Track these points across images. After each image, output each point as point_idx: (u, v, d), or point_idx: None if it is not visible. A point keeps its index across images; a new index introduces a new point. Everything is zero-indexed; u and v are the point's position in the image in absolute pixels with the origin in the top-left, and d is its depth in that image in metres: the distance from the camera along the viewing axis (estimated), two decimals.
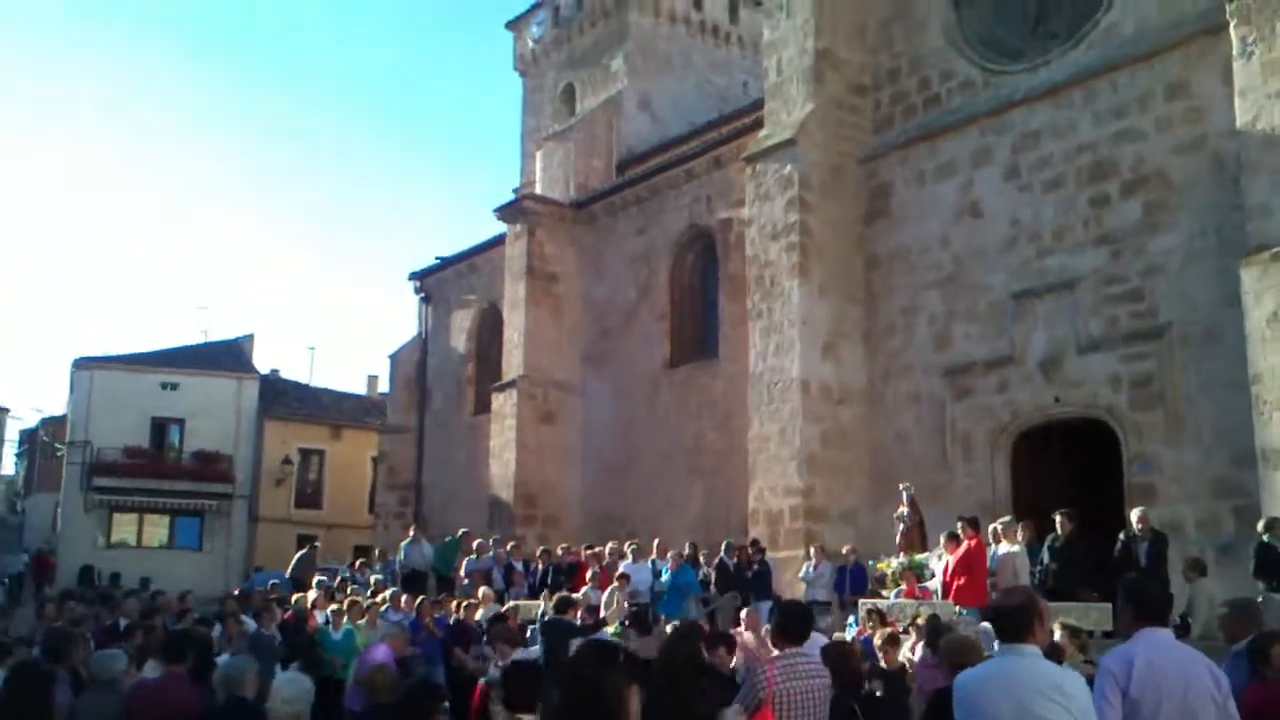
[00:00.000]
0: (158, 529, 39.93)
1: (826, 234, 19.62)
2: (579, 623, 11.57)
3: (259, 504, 40.08)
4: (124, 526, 39.35)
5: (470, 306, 31.09)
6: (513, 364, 26.38)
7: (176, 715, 6.57)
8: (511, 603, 15.64)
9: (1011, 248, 17.76)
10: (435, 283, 32.78)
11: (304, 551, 22.40)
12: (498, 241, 28.89)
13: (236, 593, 22.39)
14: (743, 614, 11.51)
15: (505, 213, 27.75)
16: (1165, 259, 15.94)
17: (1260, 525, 12.49)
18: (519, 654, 9.59)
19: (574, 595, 12.93)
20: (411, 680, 6.53)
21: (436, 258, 32.94)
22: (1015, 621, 4.58)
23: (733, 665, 8.04)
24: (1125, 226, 16.43)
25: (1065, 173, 17.21)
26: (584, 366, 26.35)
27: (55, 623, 11.72)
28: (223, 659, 7.90)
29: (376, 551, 22.96)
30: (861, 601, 13.70)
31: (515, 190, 33.31)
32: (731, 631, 10.05)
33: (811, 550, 16.61)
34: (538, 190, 28.77)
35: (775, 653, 5.99)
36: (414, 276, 33.41)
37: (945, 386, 18.30)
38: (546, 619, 12.06)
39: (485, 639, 11.09)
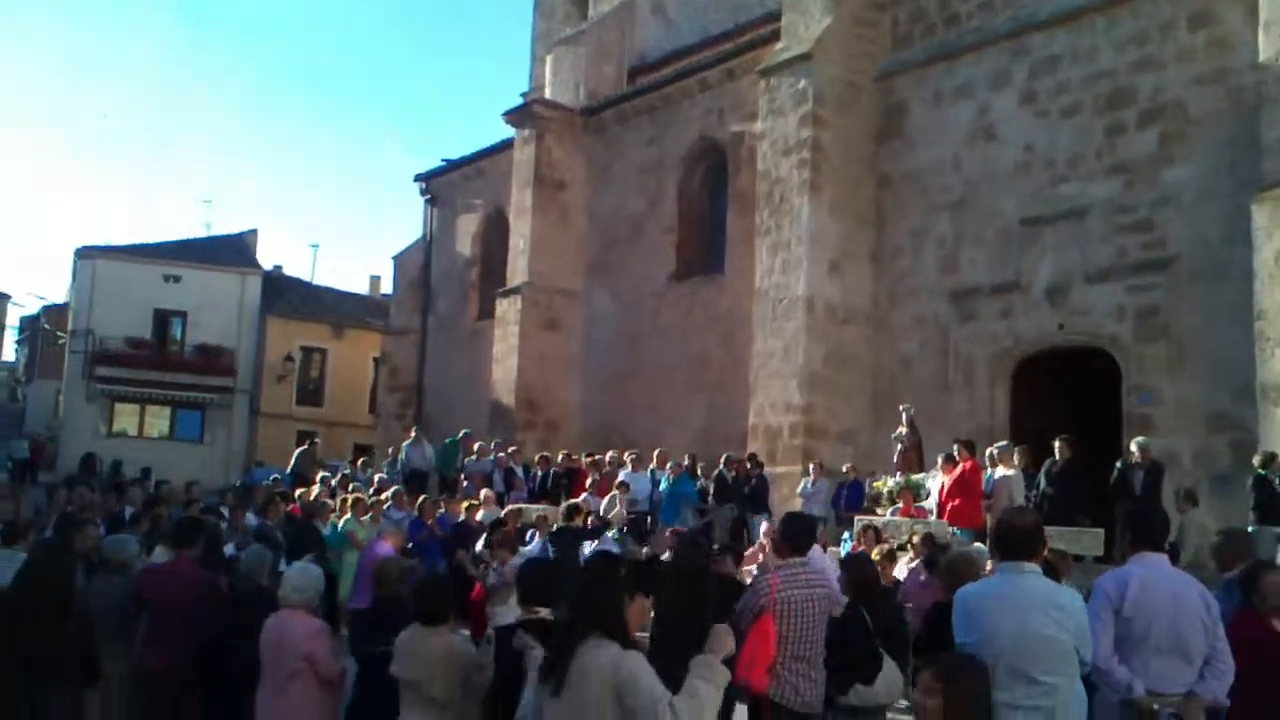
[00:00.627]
0: (159, 420, 40.22)
1: (839, 152, 19.49)
2: (587, 528, 11.82)
3: (260, 399, 40.31)
4: (125, 416, 39.63)
5: (476, 211, 30.94)
6: (518, 270, 26.35)
7: (185, 597, 6.75)
8: (511, 506, 15.82)
9: (1024, 174, 17.67)
10: (441, 185, 32.57)
11: (304, 448, 22.62)
12: (505, 146, 28.65)
13: (238, 485, 22.73)
14: (762, 528, 11.73)
15: (514, 117, 27.48)
16: (1178, 191, 15.87)
17: (1256, 459, 12.66)
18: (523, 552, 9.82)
19: (579, 503, 13.14)
20: (425, 574, 6.66)
21: (443, 160, 32.71)
22: (1025, 540, 4.69)
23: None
24: (1139, 157, 16.32)
25: (1083, 99, 17.05)
26: (589, 276, 26.31)
27: (65, 508, 11.91)
28: (228, 549, 8.04)
29: (388, 450, 23.11)
30: (858, 518, 13.91)
31: (524, 95, 32.88)
32: (760, 543, 10.28)
33: (811, 466, 16.79)
34: (547, 96, 28.41)
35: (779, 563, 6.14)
36: (420, 178, 33.19)
37: (950, 310, 18.33)
38: (556, 527, 12.25)
39: (485, 544, 11.26)
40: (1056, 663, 4.49)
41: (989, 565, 5.36)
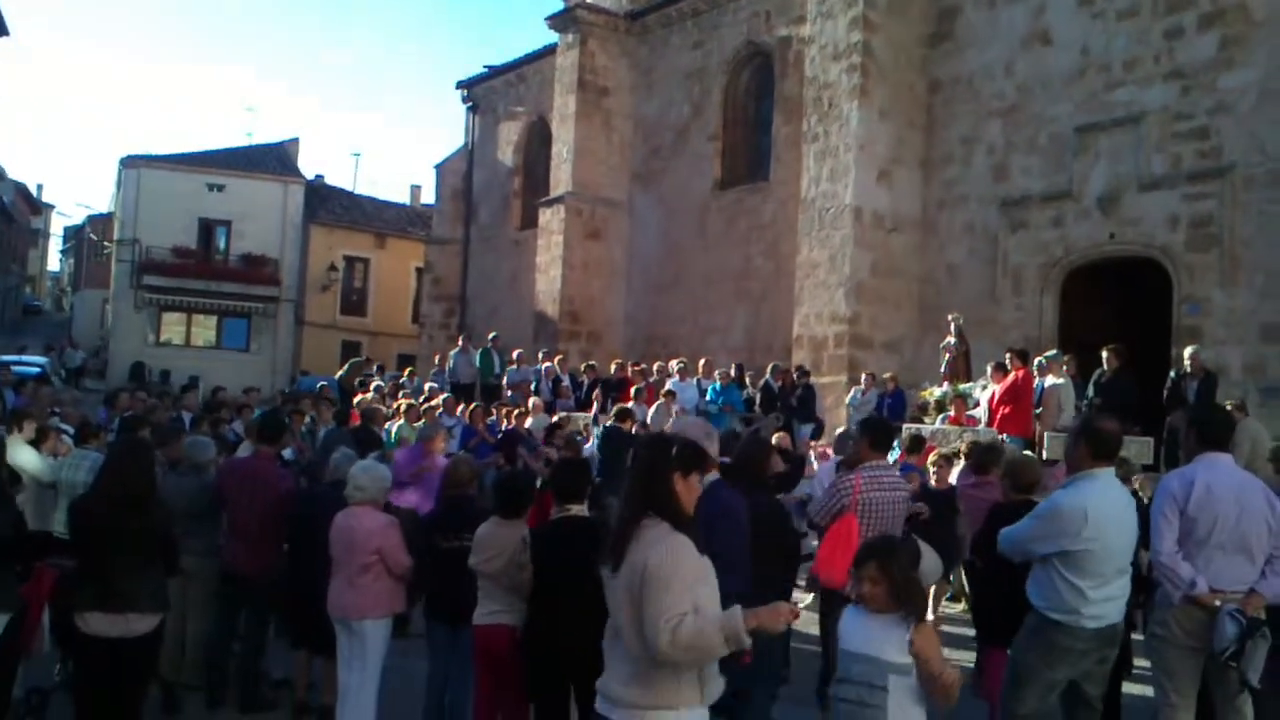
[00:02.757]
0: (205, 329, 40.71)
1: (889, 56, 19.18)
2: (635, 434, 11.95)
3: (305, 308, 40.66)
4: (173, 325, 40.15)
5: (518, 119, 30.75)
6: (560, 179, 26.24)
7: (265, 491, 6.95)
8: (561, 414, 16.02)
9: (1079, 79, 17.33)
10: (483, 92, 32.33)
11: (355, 360, 22.87)
12: (548, 52, 28.34)
13: (285, 391, 23.02)
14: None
15: (556, 21, 27.12)
16: (1236, 98, 15.53)
17: None
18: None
19: (631, 407, 13.27)
20: (507, 471, 6.82)
21: (485, 67, 32.40)
22: (1223, 431, 5.22)
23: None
24: (1198, 61, 15.96)
25: (1141, 2, 16.63)
26: (632, 184, 26.18)
27: (127, 411, 12.17)
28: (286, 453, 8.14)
29: (436, 358, 23.31)
30: (905, 426, 13.95)
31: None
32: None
33: (863, 377, 16.77)
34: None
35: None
36: (461, 85, 32.94)
37: (1000, 219, 18.14)
38: (606, 426, 12.41)
39: (547, 442, 11.45)
40: None
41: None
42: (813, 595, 6.18)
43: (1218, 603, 4.92)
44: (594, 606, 4.73)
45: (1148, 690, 6.60)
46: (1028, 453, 11.24)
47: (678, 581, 3.39)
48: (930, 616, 4.71)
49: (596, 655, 4.35)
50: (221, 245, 40.03)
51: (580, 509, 5.23)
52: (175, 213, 38.50)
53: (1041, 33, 17.86)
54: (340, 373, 22.42)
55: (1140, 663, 6.79)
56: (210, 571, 7.02)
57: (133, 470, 5.29)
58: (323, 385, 22.73)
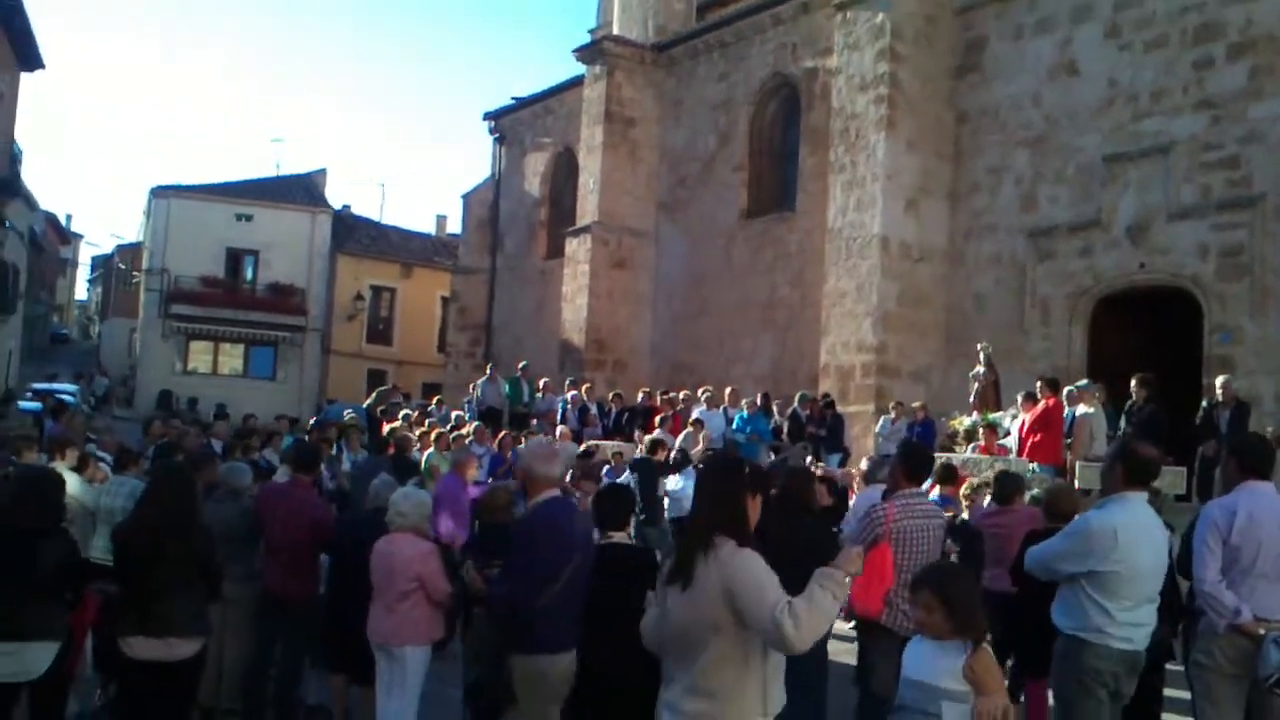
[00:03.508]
0: (232, 358, 41.03)
1: (916, 87, 19.26)
2: (667, 463, 12.00)
3: (331, 337, 40.93)
4: (200, 354, 40.49)
5: (545, 149, 30.97)
6: (587, 209, 26.39)
7: (302, 516, 7.01)
8: (590, 442, 16.05)
9: (1107, 109, 17.36)
10: (510, 123, 32.60)
11: (383, 388, 22.99)
12: (575, 83, 28.59)
13: (313, 422, 23.16)
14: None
15: (584, 54, 27.38)
16: (1267, 127, 15.54)
17: None
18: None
19: (662, 438, 13.30)
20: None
21: (512, 98, 32.70)
22: (1264, 459, 5.31)
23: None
24: (1227, 91, 15.98)
25: (1169, 32, 16.69)
26: (659, 214, 26.31)
27: (161, 439, 12.28)
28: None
29: (468, 387, 23.45)
30: (935, 456, 13.88)
31: (591, 31, 32.71)
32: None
33: (891, 406, 16.77)
34: (615, 31, 28.24)
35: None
36: (488, 116, 33.23)
37: (1028, 248, 18.15)
38: (638, 457, 12.45)
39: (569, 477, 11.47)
40: None
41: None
42: (850, 624, 6.19)
43: (1262, 631, 4.91)
44: (637, 630, 4.79)
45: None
46: (1063, 481, 11.23)
47: (766, 581, 3.59)
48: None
49: (641, 677, 4.42)
50: (249, 275, 40.42)
51: (623, 536, 5.27)
52: (203, 242, 38.92)
53: (1068, 64, 17.92)
54: (368, 401, 22.51)
55: (1170, 693, 6.76)
56: (249, 596, 7.06)
57: (173, 495, 5.37)
58: (350, 414, 22.91)
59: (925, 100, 19.35)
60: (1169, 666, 6.59)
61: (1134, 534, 4.94)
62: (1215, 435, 12.34)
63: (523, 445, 15.04)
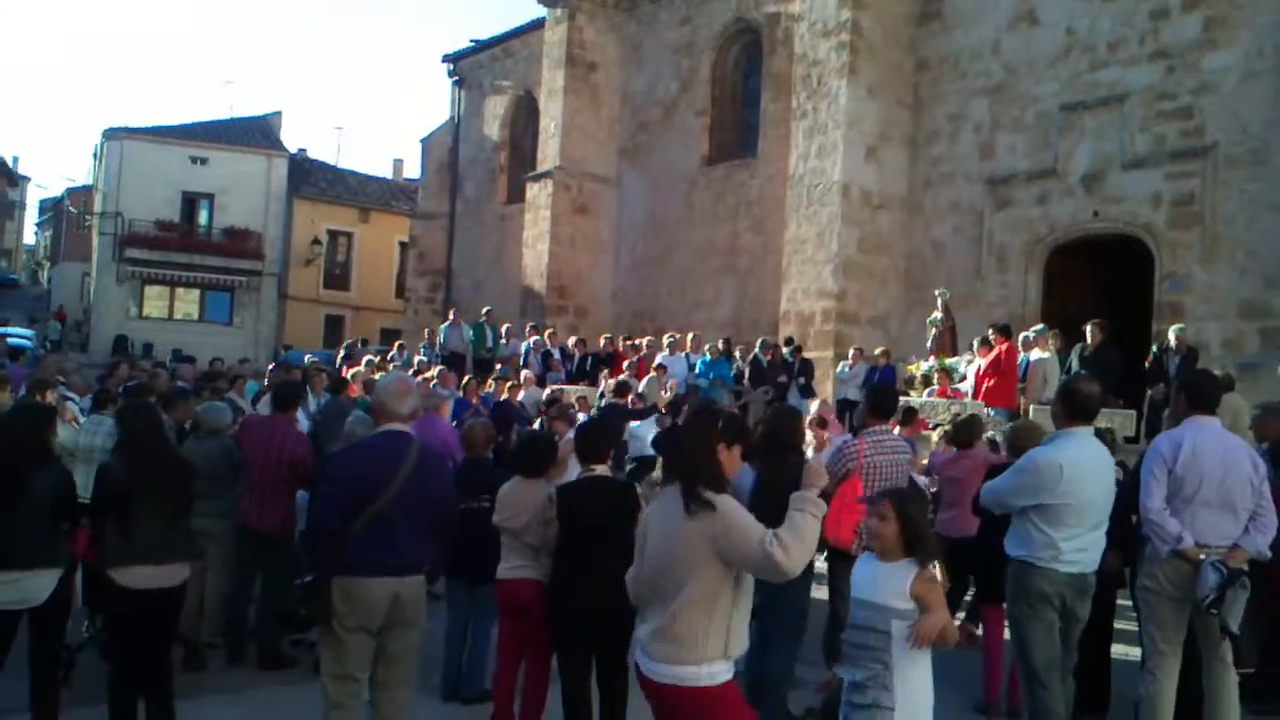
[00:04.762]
0: (188, 302, 40.69)
1: (877, 33, 19.38)
2: (631, 407, 12.22)
3: (288, 282, 40.68)
4: (155, 299, 40.09)
5: (504, 93, 30.80)
6: (548, 154, 26.36)
7: (283, 449, 7.17)
8: (553, 387, 16.24)
9: (1064, 58, 17.58)
10: (469, 66, 32.36)
11: (350, 342, 23.18)
12: (535, 26, 28.44)
13: (272, 366, 23.17)
14: (813, 407, 12.06)
15: None
16: (1219, 78, 15.82)
17: None
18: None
19: (628, 380, 13.50)
20: (529, 432, 7.05)
21: (471, 40, 32.49)
22: (1211, 395, 5.53)
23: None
24: (1182, 42, 16.23)
25: None
26: (620, 159, 26.33)
27: (130, 381, 12.29)
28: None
29: (426, 332, 23.48)
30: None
31: None
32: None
33: (850, 351, 17.06)
34: None
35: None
36: (447, 59, 32.97)
37: (986, 196, 18.43)
38: (605, 403, 12.64)
39: (545, 416, 11.69)
40: None
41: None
42: (823, 555, 6.44)
43: (1202, 555, 5.21)
44: (617, 560, 5.02)
45: (1132, 650, 6.93)
46: (1030, 420, 11.56)
47: (747, 520, 3.74)
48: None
49: (619, 605, 4.63)
50: (204, 219, 39.97)
51: (604, 469, 5.47)
52: (157, 186, 38.43)
53: (1028, 13, 18.10)
54: (340, 356, 22.61)
55: (1119, 625, 7.10)
56: (227, 531, 7.22)
57: (146, 430, 5.52)
58: (309, 357, 22.98)
59: (886, 47, 19.48)
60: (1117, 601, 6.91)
61: (1079, 467, 5.20)
62: (1165, 379, 12.73)
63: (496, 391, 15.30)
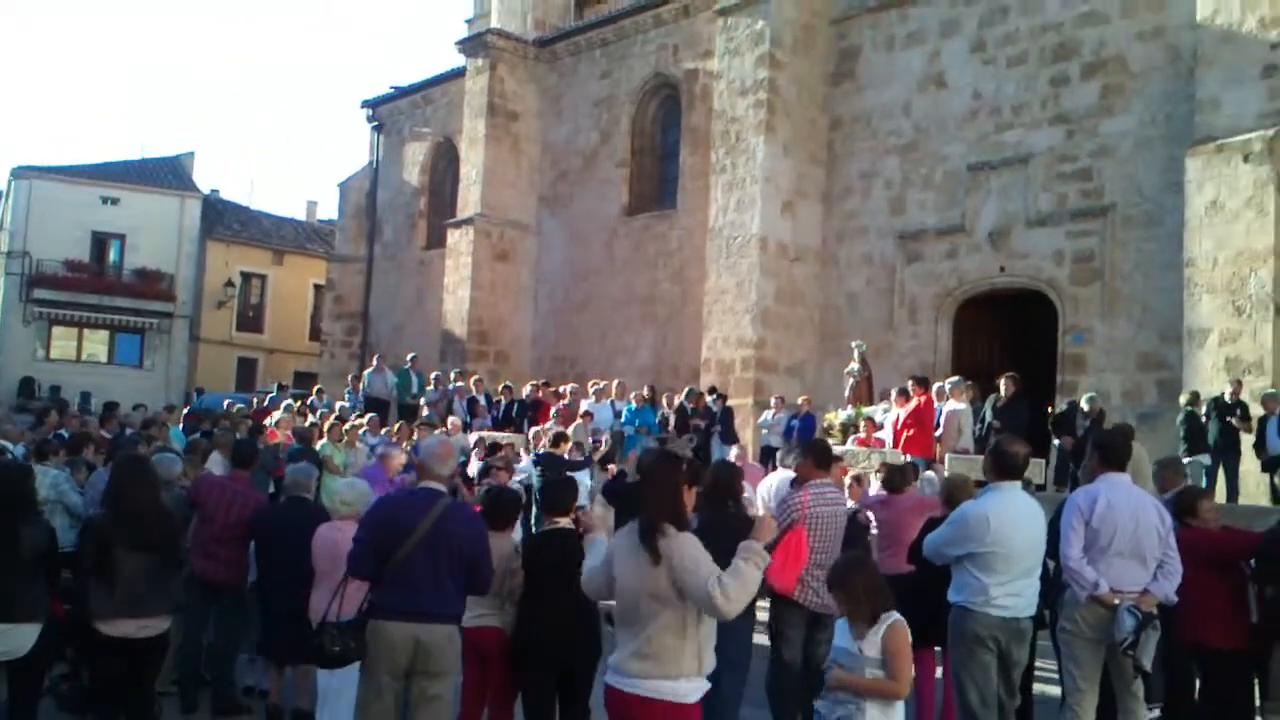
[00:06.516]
0: (97, 344, 39.80)
1: (793, 92, 20.12)
2: (568, 457, 12.54)
3: (200, 325, 40.15)
4: (63, 340, 39.19)
5: (424, 140, 31.01)
6: (469, 201, 26.62)
7: (242, 506, 7.36)
8: (479, 433, 16.44)
9: (971, 120, 18.45)
10: (389, 112, 32.50)
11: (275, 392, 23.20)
12: (456, 75, 28.76)
13: (186, 410, 23.00)
14: (732, 453, 12.46)
15: (467, 46, 27.58)
16: (1116, 142, 16.77)
17: (1183, 398, 13.71)
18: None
19: (566, 431, 13.80)
20: (495, 488, 7.29)
21: (392, 87, 32.65)
22: (1122, 455, 6.08)
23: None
24: (1081, 108, 17.18)
25: (1029, 50, 17.83)
26: (540, 207, 26.71)
27: (59, 429, 12.26)
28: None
29: (349, 378, 23.46)
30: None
31: (468, 21, 32.80)
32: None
33: (772, 400, 17.57)
34: (494, 22, 28.40)
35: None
36: (367, 104, 33.08)
37: (897, 251, 19.19)
38: (542, 452, 12.90)
39: (484, 466, 11.93)
40: None
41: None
42: (766, 601, 6.82)
43: (1117, 601, 5.70)
44: (580, 609, 5.36)
45: (1052, 689, 7.40)
46: (929, 473, 12.14)
47: (701, 558, 4.14)
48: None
49: (582, 652, 4.94)
50: (115, 259, 39.29)
51: (566, 522, 5.79)
52: (67, 225, 37.67)
53: (937, 76, 18.97)
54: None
55: (1041, 664, 7.57)
56: (181, 581, 7.35)
57: (141, 485, 5.71)
58: (238, 405, 22.81)
59: (802, 106, 20.23)
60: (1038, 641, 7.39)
61: (1006, 519, 5.69)
62: (1071, 432, 13.43)
63: (423, 437, 15.44)
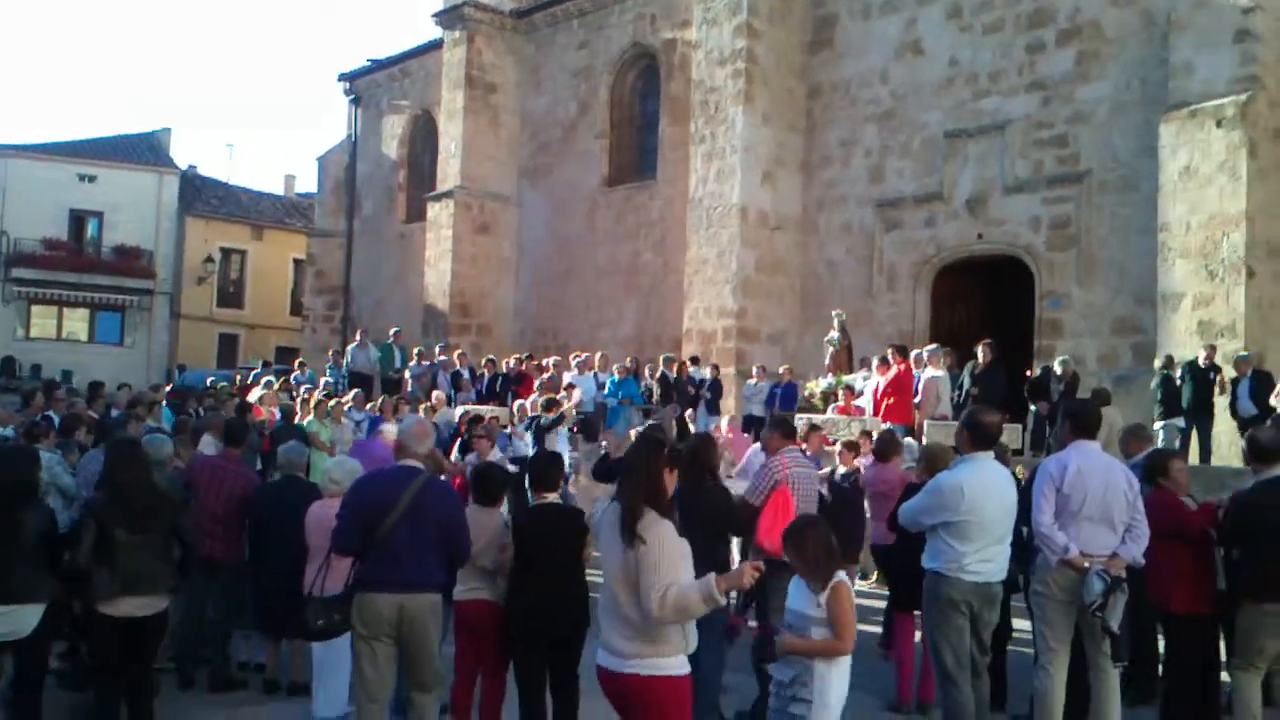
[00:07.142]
0: (77, 323, 39.70)
1: (771, 62, 20.18)
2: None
3: (181, 301, 40.06)
4: (43, 319, 39.07)
5: (402, 112, 30.96)
6: (449, 174, 26.64)
7: (235, 484, 7.50)
8: (464, 407, 16.53)
9: (948, 88, 18.57)
10: (366, 85, 32.42)
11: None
12: (432, 47, 28.69)
13: (169, 388, 23.04)
14: (723, 423, 12.59)
15: (444, 18, 27.50)
16: (1092, 108, 16.92)
17: (1158, 362, 13.94)
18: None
19: (559, 398, 13.98)
20: (483, 464, 7.41)
21: (369, 60, 32.54)
22: (1092, 422, 6.21)
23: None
24: (1057, 74, 17.31)
25: (1005, 17, 17.93)
26: (521, 179, 26.74)
27: (46, 411, 12.30)
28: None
29: (330, 353, 23.46)
30: (799, 416, 14.88)
31: None
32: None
33: (754, 369, 17.74)
34: None
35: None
36: (344, 78, 32.97)
37: (876, 219, 19.34)
38: (542, 419, 13.06)
39: (467, 437, 12.05)
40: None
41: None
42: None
43: (1087, 564, 5.89)
44: (569, 581, 5.52)
45: (1026, 650, 7.62)
46: (909, 440, 12.34)
47: (665, 560, 4.18)
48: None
49: (571, 623, 5.09)
50: (94, 236, 39.10)
51: (555, 496, 5.93)
52: (45, 203, 37.46)
53: (914, 44, 19.06)
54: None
55: (1018, 626, 7.79)
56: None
57: (134, 467, 5.85)
58: (212, 380, 22.89)
59: (780, 75, 20.30)
60: (1014, 603, 7.59)
61: (979, 488, 5.87)
62: (1047, 398, 13.65)
63: (407, 414, 15.55)
